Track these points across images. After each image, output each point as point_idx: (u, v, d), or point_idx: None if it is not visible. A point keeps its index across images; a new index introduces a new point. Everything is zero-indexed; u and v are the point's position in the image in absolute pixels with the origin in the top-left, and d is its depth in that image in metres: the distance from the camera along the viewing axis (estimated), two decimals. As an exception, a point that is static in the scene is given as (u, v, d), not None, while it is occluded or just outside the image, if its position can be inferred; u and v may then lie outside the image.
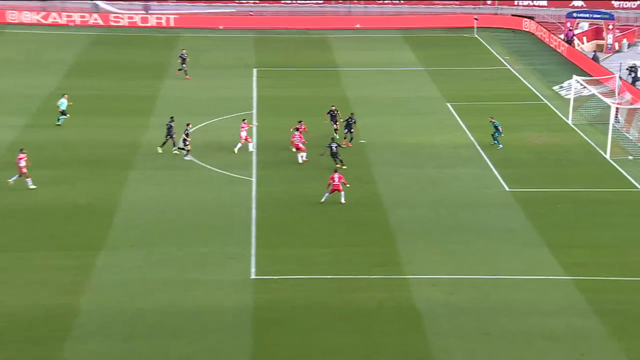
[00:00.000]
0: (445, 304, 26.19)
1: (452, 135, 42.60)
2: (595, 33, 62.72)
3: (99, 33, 64.85)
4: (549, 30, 63.16)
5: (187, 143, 37.89)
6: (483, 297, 26.54)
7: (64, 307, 25.81)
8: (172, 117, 39.64)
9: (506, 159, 39.10)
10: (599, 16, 61.87)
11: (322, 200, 32.91)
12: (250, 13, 69.28)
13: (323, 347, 24.14)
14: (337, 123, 40.22)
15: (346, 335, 24.69)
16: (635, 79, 50.87)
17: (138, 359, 23.44)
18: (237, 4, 72.31)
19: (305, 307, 26.00)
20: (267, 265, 28.53)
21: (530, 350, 23.97)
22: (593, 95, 45.47)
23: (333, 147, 37.76)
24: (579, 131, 43.41)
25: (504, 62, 57.94)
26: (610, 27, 60.98)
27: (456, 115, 45.79)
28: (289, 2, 72.79)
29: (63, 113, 42.54)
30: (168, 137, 38.53)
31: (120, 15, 67.38)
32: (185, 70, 50.75)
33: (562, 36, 61.34)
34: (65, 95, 43.36)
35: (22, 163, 34.04)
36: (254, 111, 46.36)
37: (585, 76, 49.73)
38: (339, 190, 32.92)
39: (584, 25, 63.59)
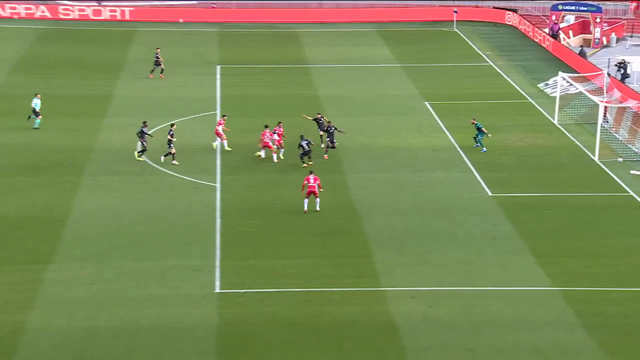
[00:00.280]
0: (424, 317, 26.32)
1: (430, 137, 42.88)
2: (582, 27, 63.58)
3: (47, 27, 64.25)
4: (532, 24, 63.91)
5: (172, 146, 37.61)
6: (465, 310, 26.72)
7: (10, 325, 25.49)
8: (144, 122, 39.10)
9: (489, 162, 39.44)
10: (585, 9, 62.71)
11: (305, 209, 32.82)
12: (213, 5, 69.15)
13: (293, 367, 24.16)
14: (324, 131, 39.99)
15: (318, 353, 24.69)
16: (624, 76, 51.59)
17: (92, 383, 23.24)
18: (198, -4, 72.14)
19: (273, 323, 25.97)
20: (233, 278, 28.45)
21: (515, 367, 24.20)
22: (580, 93, 46.04)
23: (304, 145, 37.80)
24: (565, 132, 43.97)
25: (485, 58, 58.50)
26: (598, 20, 61.82)
27: (435, 116, 46.11)
28: (255, -7, 72.83)
29: (36, 114, 42.32)
30: (144, 143, 38.04)
31: (70, 8, 66.70)
32: (162, 69, 50.83)
33: (547, 30, 62.10)
34: (38, 95, 43.04)
35: None
36: (218, 111, 46.26)
37: (571, 73, 50.33)
38: (314, 194, 32.90)
39: (570, 19, 64.43)
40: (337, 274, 28.81)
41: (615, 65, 52.51)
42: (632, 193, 35.97)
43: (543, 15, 67.60)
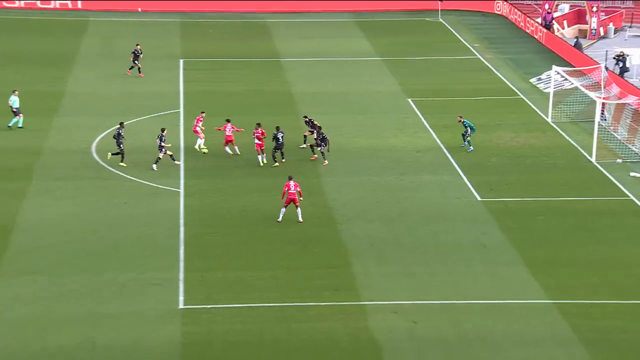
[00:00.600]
0: (409, 334, 26.39)
1: (414, 136, 43.07)
2: (578, 16, 64.21)
3: (-12, 17, 63.75)
4: (524, 13, 64.46)
5: (165, 150, 37.62)
6: (453, 326, 26.84)
7: (-50, 348, 25.22)
8: (121, 123, 38.81)
9: (477, 164, 39.69)
10: (581, -3, 63.36)
11: (280, 219, 32.77)
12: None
13: (266, 389, 24.19)
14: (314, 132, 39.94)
15: (293, 374, 24.74)
16: (623, 70, 52.11)
17: (42, 410, 23.05)
18: (159, -18, 71.81)
19: (243, 342, 25.89)
20: (198, 293, 28.36)
21: (508, 387, 24.37)
22: (576, 88, 46.49)
23: (280, 137, 37.77)
24: (560, 130, 44.37)
25: (473, 50, 58.89)
26: (595, 9, 62.39)
27: (419, 113, 46.33)
28: (221, -20, 72.72)
29: (16, 113, 42.04)
30: (121, 147, 37.77)
31: (15, -5, 66.22)
32: (138, 68, 50.25)
33: (539, 20, 62.65)
34: (16, 92, 42.76)
35: None
36: (181, 109, 46.13)
37: (566, 66, 50.84)
38: (294, 203, 32.88)
39: (565, 7, 65.06)
40: (313, 286, 28.82)
41: (614, 58, 53.03)
42: (632, 197, 36.36)
43: (535, 4, 68.17)
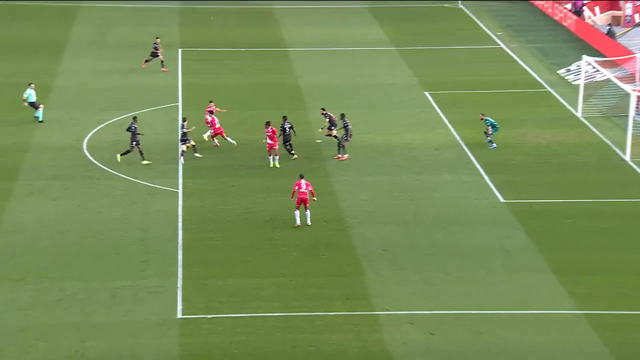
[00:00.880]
0: (425, 347, 26.38)
1: (431, 132, 43.05)
2: (611, 2, 63.99)
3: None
4: None
5: (189, 140, 38.09)
6: (473, 338, 26.83)
7: None
8: (134, 117, 38.88)
9: (500, 163, 39.65)
10: (614, -20, 63.18)
11: (298, 223, 32.77)
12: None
13: (270, 406, 24.27)
14: (333, 128, 40.06)
15: (300, 390, 24.84)
16: (659, 61, 51.88)
17: None
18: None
19: (245, 354, 25.91)
20: (197, 302, 28.41)
21: (533, 405, 24.40)
22: (608, 80, 46.38)
23: (286, 128, 37.78)
24: (590, 126, 44.28)
25: (495, 39, 58.81)
26: (629, -5, 62.21)
27: (436, 108, 46.30)
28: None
29: (34, 105, 42.38)
30: (133, 143, 37.89)
31: (1, -21, 66.39)
32: (161, 61, 49.71)
33: (568, 6, 62.53)
34: (32, 85, 43.08)
35: None
36: (179, 103, 46.24)
37: (598, 56, 50.74)
38: (305, 204, 32.89)
39: (596, -7, 64.87)
40: (321, 295, 28.82)
41: (649, 47, 52.86)
42: (669, 198, 36.30)
43: (564, -11, 67.96)
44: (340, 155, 39.27)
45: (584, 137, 42.98)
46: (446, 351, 26.19)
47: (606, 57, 51.30)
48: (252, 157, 39.43)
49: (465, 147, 41.16)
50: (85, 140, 41.09)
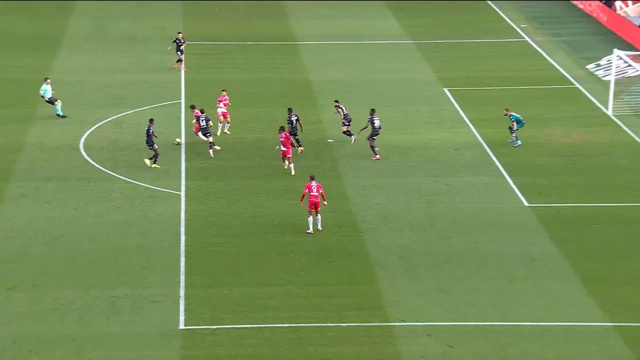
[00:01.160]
0: (444, 361, 26.47)
1: (451, 131, 43.06)
2: (643, -7, 63.85)
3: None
4: (580, -10, 64.29)
5: (209, 133, 38.76)
6: (495, 351, 26.82)
7: None
8: (151, 120, 38.93)
9: (524, 164, 39.63)
10: (647, -30, 63.05)
11: (310, 229, 32.84)
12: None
13: (278, 423, 24.33)
14: (347, 124, 40.57)
15: (309, 406, 24.91)
16: (695, 55, 51.80)
17: None
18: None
19: (253, 369, 26.06)
20: (201, 312, 28.49)
21: (559, 423, 24.37)
22: (640, 76, 46.35)
23: (293, 121, 38.23)
24: (622, 125, 44.20)
25: (520, 32, 58.76)
26: (663, -15, 62.07)
27: (456, 105, 46.31)
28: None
29: (51, 101, 42.83)
30: (155, 146, 38.09)
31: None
32: (180, 59, 49.56)
33: (598, -3, 62.42)
34: (48, 80, 43.45)
35: None
36: (182, 100, 46.39)
37: (630, 50, 50.63)
38: (316, 208, 32.94)
39: (628, -17, 64.75)
40: (333, 305, 28.86)
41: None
42: None
43: (593, -21, 67.86)
44: (378, 157, 39.38)
45: (615, 136, 42.90)
46: (466, 365, 26.24)
47: (639, 51, 51.16)
48: (259, 157, 39.51)
49: (486, 147, 41.14)
50: (82, 140, 41.28)
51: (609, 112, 45.45)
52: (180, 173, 38.14)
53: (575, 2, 64.52)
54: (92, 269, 30.71)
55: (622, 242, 33.14)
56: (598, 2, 61.27)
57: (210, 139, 38.96)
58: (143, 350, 26.55)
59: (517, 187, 37.25)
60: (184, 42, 49.65)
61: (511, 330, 27.79)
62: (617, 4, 61.96)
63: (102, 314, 28.16)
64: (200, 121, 39.22)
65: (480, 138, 42.18)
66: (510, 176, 38.28)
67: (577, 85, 49.37)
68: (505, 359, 26.50)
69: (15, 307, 28.50)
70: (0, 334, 27.13)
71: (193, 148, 40.47)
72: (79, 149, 40.26)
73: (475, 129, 43.24)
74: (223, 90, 42.33)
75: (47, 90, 43.29)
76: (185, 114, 44.32)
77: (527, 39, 57.32)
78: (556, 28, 59.59)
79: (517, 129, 40.87)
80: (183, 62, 49.61)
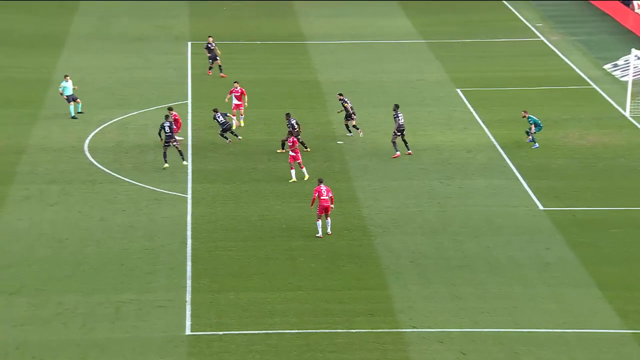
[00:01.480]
0: (456, 368, 26.48)
1: (463, 133, 43.06)
2: (662, -9, 63.65)
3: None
4: (597, -12, 64.18)
5: (228, 127, 39.82)
6: (509, 359, 26.79)
7: None
8: (168, 114, 38.90)
9: (539, 167, 39.60)
10: (666, -34, 62.83)
11: (319, 234, 32.89)
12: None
13: None
14: (352, 117, 41.20)
15: (319, 414, 24.95)
16: None
17: None
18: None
19: (261, 376, 26.15)
20: (208, 317, 28.56)
21: None
22: (658, 77, 46.24)
23: (294, 123, 38.44)
24: None
25: (535, 31, 58.70)
26: (682, -18, 61.88)
27: (469, 106, 46.30)
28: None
29: (70, 99, 43.07)
30: (175, 143, 38.14)
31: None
32: (212, 67, 48.62)
33: (615, -4, 62.31)
34: (67, 77, 43.65)
35: None
36: (189, 101, 46.48)
37: (647, 51, 50.55)
38: (327, 212, 32.97)
39: (646, -20, 64.59)
40: (342, 311, 28.89)
41: None
42: None
43: (610, -24, 67.77)
44: (402, 152, 39.79)
45: (633, 138, 42.83)
46: (479, 373, 26.26)
47: (657, 50, 51.03)
48: (267, 159, 39.58)
49: (500, 149, 41.12)
50: (87, 141, 41.41)
51: (627, 114, 45.37)
52: (187, 175, 38.22)
53: (592, 1, 64.33)
54: (97, 273, 30.81)
55: (639, 247, 33.08)
56: (615, 1, 61.12)
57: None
58: (148, 356, 26.63)
59: (532, 190, 37.23)
60: (215, 46, 49.01)
61: (525, 337, 27.78)
62: (635, 2, 61.81)
63: (107, 319, 28.25)
64: (217, 118, 39.91)
65: (493, 140, 42.16)
66: (524, 179, 38.26)
67: (594, 86, 49.30)
68: (520, 366, 26.51)
69: (18, 311, 28.62)
70: (3, 339, 27.25)
71: (200, 150, 40.56)
72: (83, 151, 40.39)
73: (489, 130, 43.22)
74: (235, 82, 42.69)
75: (66, 87, 43.45)
76: (192, 115, 44.45)
77: (542, 38, 57.26)
78: (572, 27, 59.50)
79: (535, 132, 40.84)
80: (220, 68, 48.72)
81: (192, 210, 35.24)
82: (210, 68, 49.10)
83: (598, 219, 35.09)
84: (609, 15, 61.70)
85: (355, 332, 27.80)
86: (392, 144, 39.90)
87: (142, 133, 41.68)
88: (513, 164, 39.62)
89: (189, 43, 55.47)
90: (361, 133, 41.43)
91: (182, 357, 26.59)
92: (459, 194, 36.84)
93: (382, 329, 27.97)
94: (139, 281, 30.36)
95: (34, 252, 32.11)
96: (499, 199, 36.49)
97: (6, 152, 40.10)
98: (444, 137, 42.39)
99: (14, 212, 34.88)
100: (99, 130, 42.56)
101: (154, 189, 36.94)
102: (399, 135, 39.80)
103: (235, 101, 42.46)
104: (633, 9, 60.62)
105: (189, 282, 30.34)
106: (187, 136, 41.84)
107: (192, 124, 43.38)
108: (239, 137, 40.75)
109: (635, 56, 47.39)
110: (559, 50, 54.93)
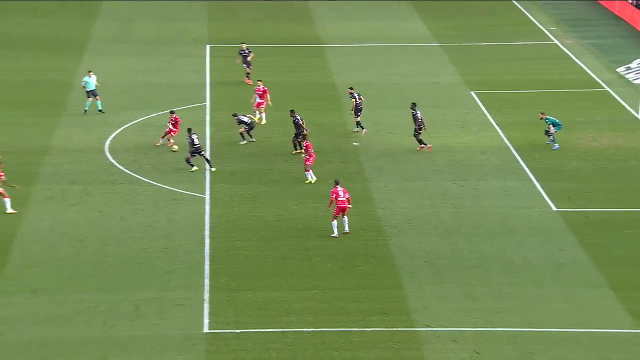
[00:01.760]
0: (470, 367, 26.40)
1: (478, 135, 42.95)
2: (674, -5, 63.40)
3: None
4: (610, -8, 63.96)
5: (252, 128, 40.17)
6: (522, 358, 26.68)
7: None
8: (190, 128, 38.49)
9: (553, 169, 39.46)
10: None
11: (335, 233, 32.91)
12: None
13: None
14: (358, 114, 41.67)
15: (334, 411, 24.90)
16: None
17: None
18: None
19: (277, 374, 26.10)
20: (226, 316, 28.57)
21: None
22: (671, 80, 46.05)
23: (298, 118, 38.58)
24: (652, 129, 43.99)
25: (549, 35, 58.50)
26: (695, -13, 61.62)
27: (483, 109, 46.18)
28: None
29: (90, 95, 43.30)
30: (202, 152, 38.15)
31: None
32: (250, 73, 47.89)
33: None
34: (91, 72, 43.85)
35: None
36: (207, 103, 46.56)
37: (660, 54, 50.40)
38: (344, 212, 32.98)
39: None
40: (358, 310, 28.86)
41: None
42: None
43: (624, -19, 67.53)
44: (427, 146, 40.25)
45: (646, 141, 42.67)
46: (493, 372, 26.17)
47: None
48: (284, 161, 39.59)
49: (514, 151, 41.00)
50: (108, 142, 41.52)
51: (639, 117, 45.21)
52: (205, 176, 38.27)
53: (605, 5, 64.06)
54: (117, 272, 30.88)
55: (652, 248, 32.96)
56: (629, 4, 60.85)
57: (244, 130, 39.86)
58: (167, 354, 26.66)
59: (545, 192, 37.10)
60: (249, 53, 48.50)
61: (539, 336, 27.67)
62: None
63: (127, 317, 28.31)
64: (243, 119, 40.40)
65: (507, 142, 42.03)
66: (538, 181, 38.13)
67: (607, 89, 49.09)
68: (533, 365, 26.41)
69: (41, 309, 28.71)
70: (26, 337, 27.34)
71: (218, 152, 40.61)
72: (104, 152, 40.50)
73: (503, 132, 43.09)
74: (259, 81, 43.13)
75: (89, 82, 43.64)
76: (211, 117, 44.53)
77: (556, 42, 57.07)
78: (586, 31, 59.28)
79: (555, 132, 40.67)
80: (247, 75, 48.24)
81: (210, 211, 35.28)
82: (248, 75, 47.95)
83: (611, 221, 34.93)
84: (622, 19, 61.44)
85: (371, 331, 27.76)
86: (418, 142, 39.95)
87: (162, 134, 41.72)
88: (527, 166, 39.49)
89: (208, 46, 55.58)
90: (365, 132, 41.51)
91: (200, 354, 26.61)
92: (473, 196, 36.74)
93: (397, 328, 27.92)
94: (159, 280, 30.41)
95: (56, 252, 32.22)
96: (513, 201, 36.38)
97: (29, 153, 40.26)
98: (458, 139, 42.30)
99: (36, 212, 35.01)
100: (120, 132, 42.68)
101: (173, 189, 37.01)
102: (420, 133, 39.96)
103: (258, 99, 42.96)
104: (646, 13, 60.36)
105: (207, 281, 30.38)
106: (206, 138, 41.90)
107: (211, 126, 43.45)
108: (253, 139, 40.71)
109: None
110: (572, 54, 54.73)
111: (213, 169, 38.26)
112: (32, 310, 28.69)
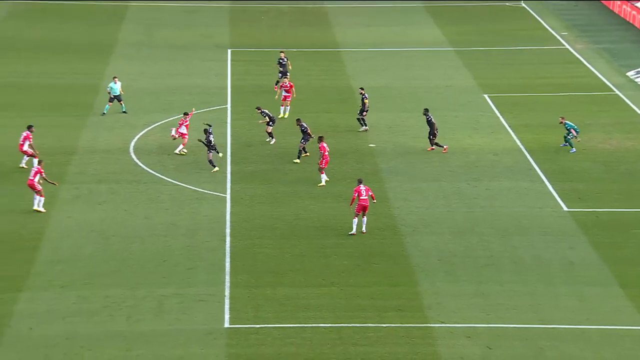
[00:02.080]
0: (482, 362, 26.36)
1: (490, 137, 42.87)
2: (683, 1, 63.03)
3: (18, 1, 65.22)
4: (620, -2, 63.68)
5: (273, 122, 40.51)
6: (533, 354, 26.67)
7: (-27, 367, 25.94)
8: (206, 130, 38.49)
9: (564, 170, 39.34)
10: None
11: (354, 231, 32.94)
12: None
13: (320, 421, 24.36)
14: (364, 112, 42.25)
15: (350, 404, 24.89)
16: None
17: None
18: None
19: (295, 367, 26.14)
20: (246, 311, 28.65)
21: None
22: (680, 84, 45.82)
23: (305, 126, 38.58)
24: (661, 132, 43.79)
25: (560, 39, 58.32)
26: (703, -7, 61.22)
27: (496, 111, 46.09)
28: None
29: (113, 99, 43.79)
30: (212, 149, 38.18)
31: (48, -21, 67.67)
32: (279, 82, 45.79)
33: (639, 4, 61.72)
34: (116, 78, 44.38)
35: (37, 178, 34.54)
36: (228, 106, 46.66)
37: (669, 58, 50.18)
38: (365, 211, 32.98)
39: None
40: (374, 306, 28.89)
41: None
42: None
43: (633, -13, 67.22)
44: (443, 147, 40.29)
45: (654, 143, 42.48)
46: (504, 367, 26.12)
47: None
48: (302, 161, 39.63)
49: (526, 153, 40.91)
50: (132, 143, 41.68)
51: (649, 119, 45.03)
52: (226, 176, 38.37)
53: (615, 10, 63.78)
54: (141, 269, 31.01)
55: (660, 247, 32.82)
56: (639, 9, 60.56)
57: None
58: (190, 347, 26.76)
59: (556, 192, 37.00)
60: (287, 61, 47.84)
61: (550, 333, 27.61)
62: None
63: (151, 312, 28.43)
64: (264, 113, 40.64)
65: (519, 144, 41.94)
66: (549, 181, 38.03)
67: (617, 92, 48.91)
68: (543, 361, 26.36)
69: (67, 304, 28.87)
70: (53, 331, 27.50)
71: (238, 153, 40.71)
72: (129, 152, 40.66)
73: (515, 134, 43.00)
74: (285, 78, 44.36)
75: (114, 88, 43.95)
76: (232, 119, 44.62)
77: (567, 46, 56.88)
78: (596, 35, 59.06)
79: (573, 136, 40.50)
80: (277, 82, 46.29)
81: (231, 210, 35.36)
82: (277, 83, 46.11)
83: (620, 220, 34.81)
84: (632, 24, 61.16)
85: (386, 326, 27.77)
86: (434, 144, 40.10)
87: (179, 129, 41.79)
88: (538, 167, 39.39)
89: (229, 50, 55.70)
90: (365, 129, 41.74)
91: (221, 348, 26.69)
92: (486, 196, 36.68)
93: (412, 323, 27.92)
94: (181, 276, 30.52)
95: (82, 249, 32.37)
96: (525, 201, 36.29)
97: (57, 153, 40.43)
98: (471, 141, 42.23)
99: (64, 210, 35.19)
100: (144, 133, 42.83)
101: (195, 189, 37.11)
102: (435, 136, 39.92)
103: (284, 93, 43.81)
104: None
105: (227, 278, 30.46)
106: (227, 139, 41.99)
107: (232, 127, 43.54)
108: (272, 139, 40.90)
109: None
110: (583, 58, 54.54)
111: (215, 169, 38.23)
112: (59, 305, 28.85)
